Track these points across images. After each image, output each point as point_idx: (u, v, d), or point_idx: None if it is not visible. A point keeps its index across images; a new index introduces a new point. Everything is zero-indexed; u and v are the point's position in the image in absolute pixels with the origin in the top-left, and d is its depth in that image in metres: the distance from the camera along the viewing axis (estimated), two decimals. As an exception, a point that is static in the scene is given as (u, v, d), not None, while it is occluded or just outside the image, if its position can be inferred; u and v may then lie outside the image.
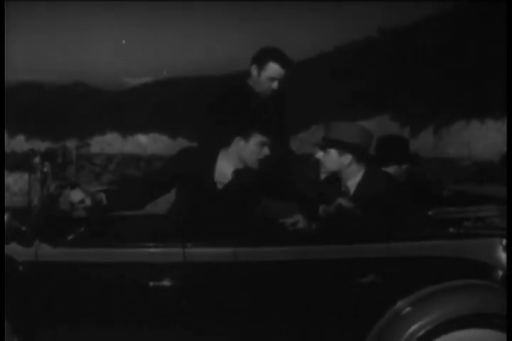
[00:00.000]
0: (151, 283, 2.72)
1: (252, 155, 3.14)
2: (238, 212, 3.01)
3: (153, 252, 2.77)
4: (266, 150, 3.15)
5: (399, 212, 2.95)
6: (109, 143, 38.86)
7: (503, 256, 2.85)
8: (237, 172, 3.15)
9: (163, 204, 3.23)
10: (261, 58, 3.58)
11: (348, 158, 3.14)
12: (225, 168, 3.17)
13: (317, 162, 3.22)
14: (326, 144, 3.18)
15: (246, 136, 3.13)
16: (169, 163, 3.28)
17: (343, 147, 3.13)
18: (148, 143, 39.53)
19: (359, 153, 3.15)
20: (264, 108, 3.58)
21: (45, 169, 2.84)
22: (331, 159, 3.17)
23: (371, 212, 2.96)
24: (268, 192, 3.16)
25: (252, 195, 3.12)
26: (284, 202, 3.11)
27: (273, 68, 3.55)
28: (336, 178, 3.24)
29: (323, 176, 3.42)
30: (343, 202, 3.06)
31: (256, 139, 3.13)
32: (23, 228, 2.75)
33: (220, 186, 3.15)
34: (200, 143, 3.58)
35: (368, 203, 3.01)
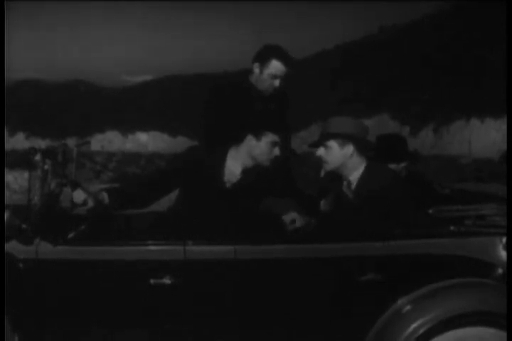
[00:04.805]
0: (152, 281, 2.72)
1: (262, 154, 3.11)
2: (241, 210, 3.00)
3: (153, 250, 2.77)
4: (276, 151, 3.13)
5: (399, 210, 2.94)
6: (109, 141, 38.84)
7: (503, 254, 2.85)
8: (246, 172, 3.13)
9: (164, 201, 3.22)
10: (263, 56, 3.57)
11: (350, 148, 3.10)
12: (234, 166, 3.16)
13: (319, 160, 3.18)
14: (326, 138, 3.14)
15: (258, 135, 3.11)
16: (176, 161, 3.25)
17: (342, 138, 3.10)
18: (148, 141, 39.51)
19: (359, 142, 3.12)
20: (269, 106, 3.57)
21: (46, 167, 2.82)
22: (333, 152, 3.11)
23: (372, 206, 2.94)
24: (270, 190, 3.15)
25: (256, 194, 3.11)
26: (284, 200, 3.10)
27: (275, 66, 3.53)
28: (337, 175, 3.21)
29: (323, 174, 3.40)
30: (344, 189, 3.06)
31: (268, 139, 3.10)
32: (24, 226, 2.75)
33: (228, 185, 3.14)
34: (206, 141, 3.55)
35: (369, 197, 2.99)
